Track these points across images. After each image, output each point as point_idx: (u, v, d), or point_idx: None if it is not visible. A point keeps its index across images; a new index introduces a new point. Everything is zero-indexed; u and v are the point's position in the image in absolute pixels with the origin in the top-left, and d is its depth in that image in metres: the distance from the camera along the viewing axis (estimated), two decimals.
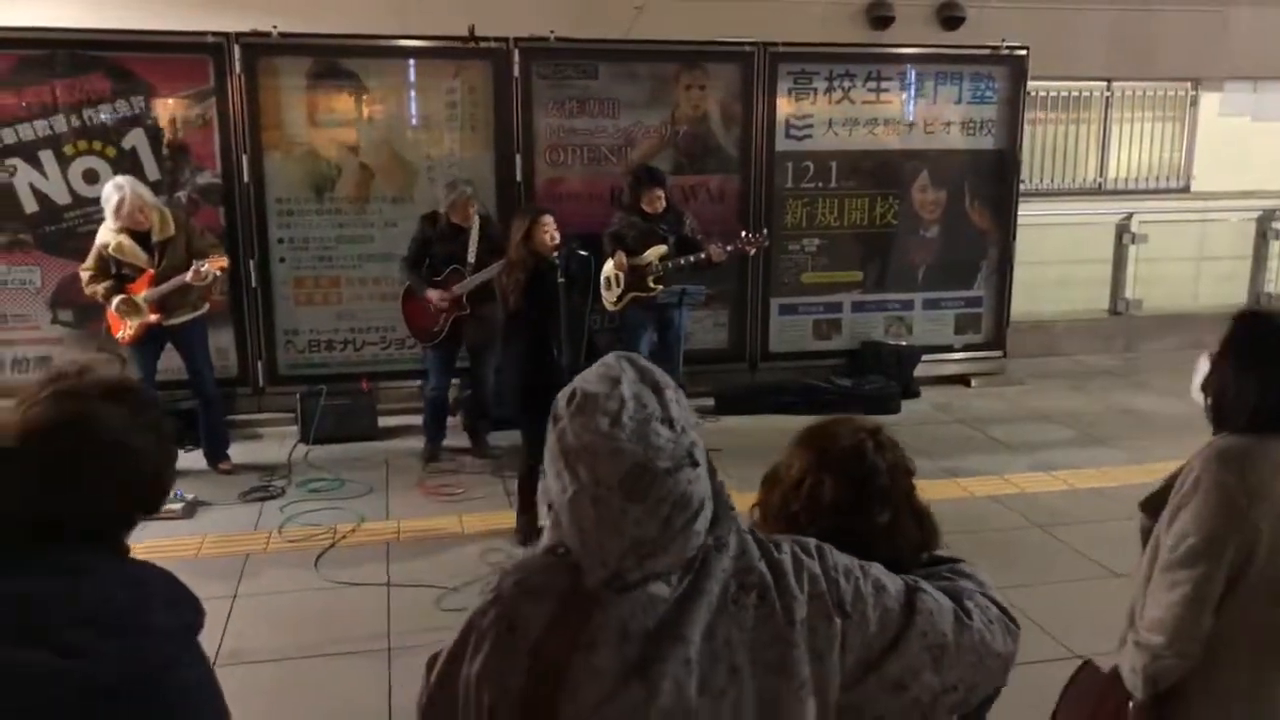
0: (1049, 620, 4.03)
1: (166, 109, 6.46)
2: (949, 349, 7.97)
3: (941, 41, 8.65)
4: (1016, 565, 4.62)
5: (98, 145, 6.41)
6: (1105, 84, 9.85)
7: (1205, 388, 2.12)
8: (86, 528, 1.38)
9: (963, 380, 8.03)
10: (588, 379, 1.31)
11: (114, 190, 5.43)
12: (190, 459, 5.92)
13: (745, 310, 7.50)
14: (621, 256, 6.27)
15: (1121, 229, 9.32)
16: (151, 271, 5.50)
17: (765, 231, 6.67)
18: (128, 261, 5.50)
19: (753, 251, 6.47)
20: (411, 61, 6.78)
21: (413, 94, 6.81)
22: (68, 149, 6.37)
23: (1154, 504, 2.14)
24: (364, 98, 6.73)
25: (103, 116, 6.39)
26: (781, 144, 7.38)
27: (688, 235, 6.45)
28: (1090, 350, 9.17)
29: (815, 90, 7.41)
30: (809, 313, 7.70)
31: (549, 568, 1.32)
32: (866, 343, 7.71)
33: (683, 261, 6.23)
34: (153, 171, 6.47)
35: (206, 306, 5.84)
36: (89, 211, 6.43)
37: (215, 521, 5.28)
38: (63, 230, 6.45)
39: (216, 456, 5.96)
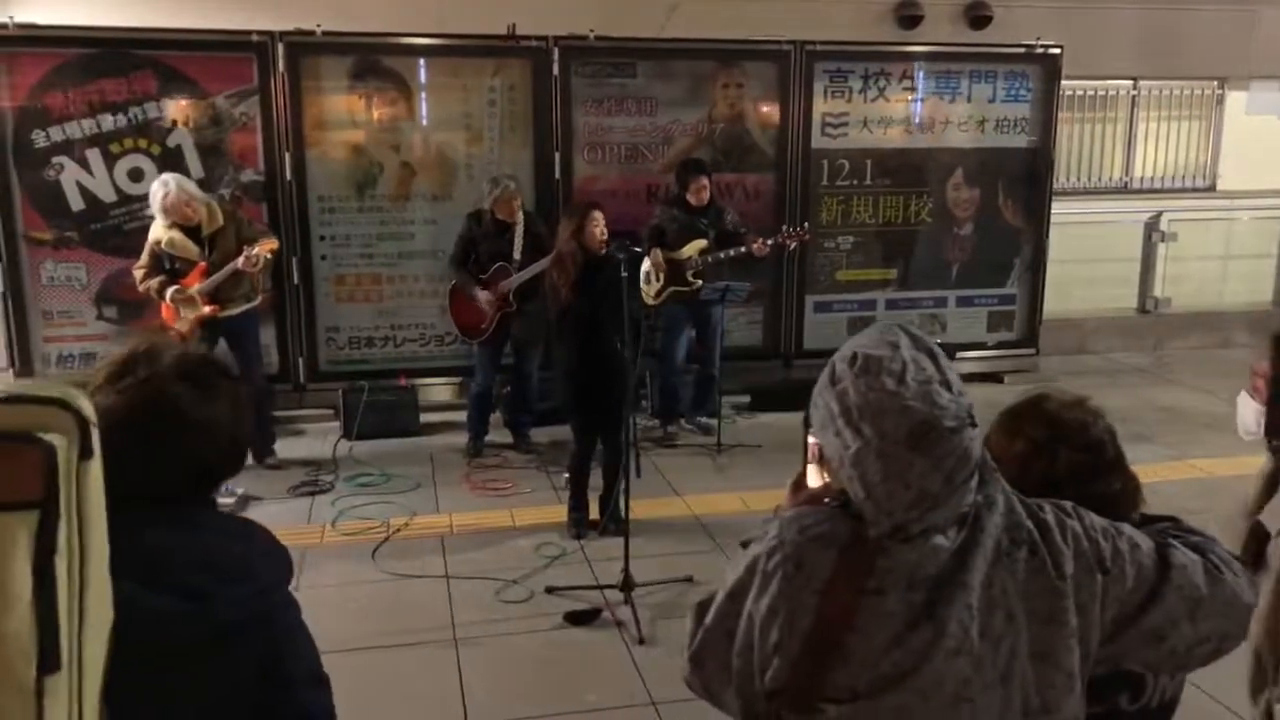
0: None
1: (211, 107, 6.50)
2: (982, 346, 7.99)
3: (969, 40, 8.69)
4: None
5: (143, 143, 6.46)
6: (1132, 83, 9.88)
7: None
8: (184, 493, 1.50)
9: (995, 378, 8.04)
10: (866, 344, 1.39)
11: (159, 186, 5.49)
12: None
13: (780, 307, 7.53)
14: (658, 253, 6.31)
15: (1150, 227, 9.34)
16: (204, 264, 5.55)
17: (807, 225, 6.71)
18: (180, 255, 5.56)
19: (794, 245, 6.51)
20: (452, 60, 6.81)
21: (453, 92, 6.84)
22: (114, 147, 6.42)
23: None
24: (405, 96, 6.77)
25: (148, 115, 6.44)
26: (817, 142, 7.41)
27: (728, 229, 6.50)
28: (1120, 348, 9.19)
29: (850, 89, 7.44)
30: (843, 310, 7.74)
31: (831, 517, 1.40)
32: None
33: (722, 255, 6.27)
34: (196, 169, 6.52)
35: (259, 299, 5.89)
36: (134, 209, 6.49)
37: (266, 515, 5.31)
38: (108, 228, 6.51)
39: (263, 452, 6.00)
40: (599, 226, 4.95)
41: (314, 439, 6.60)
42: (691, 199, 6.37)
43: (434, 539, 5.00)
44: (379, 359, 7.02)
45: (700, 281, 6.28)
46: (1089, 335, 9.15)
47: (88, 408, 1.25)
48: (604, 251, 4.88)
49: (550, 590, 4.39)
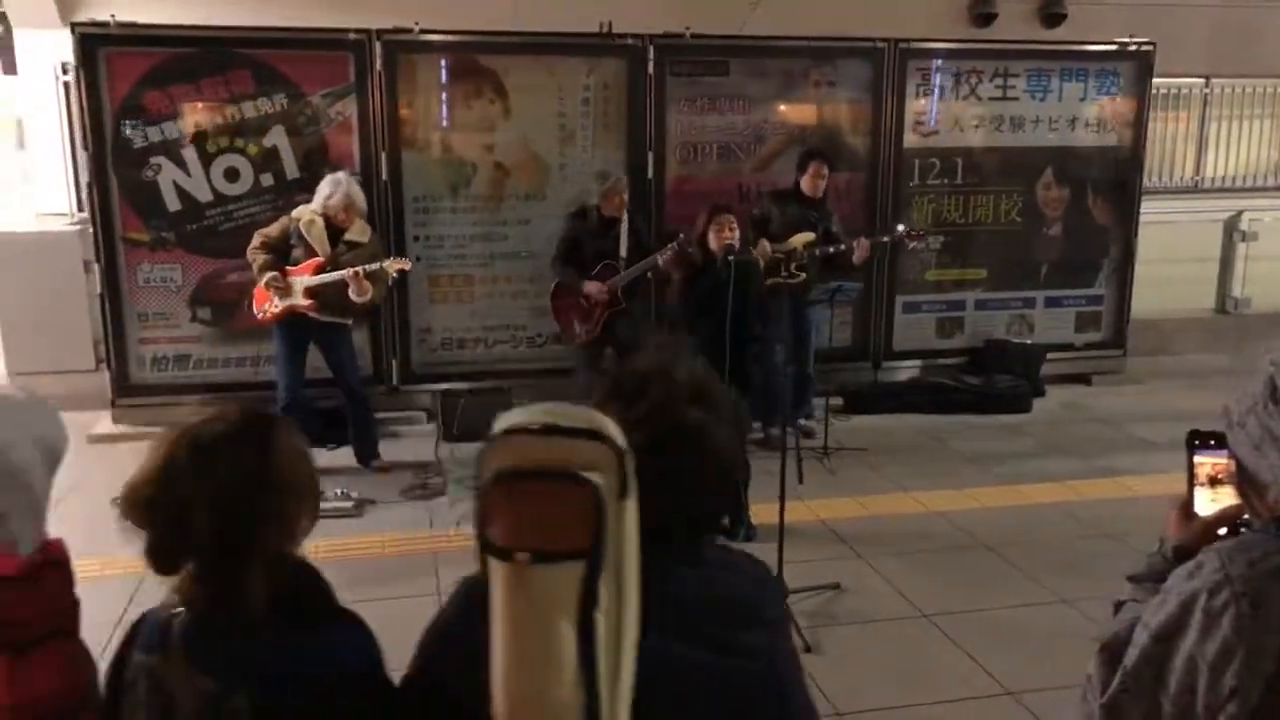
0: None
1: (308, 106, 6.44)
2: (1069, 347, 7.90)
3: (1043, 38, 8.60)
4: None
5: (239, 143, 6.41)
6: (1204, 81, 9.77)
7: None
8: (691, 529, 1.39)
9: (1083, 379, 7.95)
10: None
11: (330, 184, 5.52)
12: (338, 457, 5.91)
13: (870, 308, 7.44)
14: (765, 244, 6.19)
15: (1230, 226, 9.23)
16: (321, 260, 5.49)
17: (912, 228, 6.66)
18: (309, 241, 5.50)
19: (911, 246, 6.41)
20: (548, 58, 6.73)
21: (548, 92, 6.76)
22: (210, 147, 6.37)
23: None
24: (500, 95, 6.70)
25: (245, 114, 6.38)
26: (909, 141, 7.33)
27: (833, 231, 6.42)
28: (1199, 349, 9.07)
29: (943, 87, 7.35)
30: (932, 310, 7.64)
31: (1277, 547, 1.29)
32: (990, 341, 7.64)
33: (830, 250, 6.19)
34: (292, 169, 6.47)
35: (351, 321, 5.83)
36: (229, 210, 6.44)
37: (386, 520, 5.26)
38: (204, 228, 6.45)
39: (369, 454, 5.94)
40: (724, 231, 4.87)
41: (412, 441, 6.52)
42: (806, 187, 6.28)
43: None
44: (470, 360, 6.95)
45: (803, 275, 6.18)
46: (1168, 336, 9.03)
47: (621, 439, 1.16)
48: (727, 255, 4.79)
49: None
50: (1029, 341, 7.64)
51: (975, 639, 4.02)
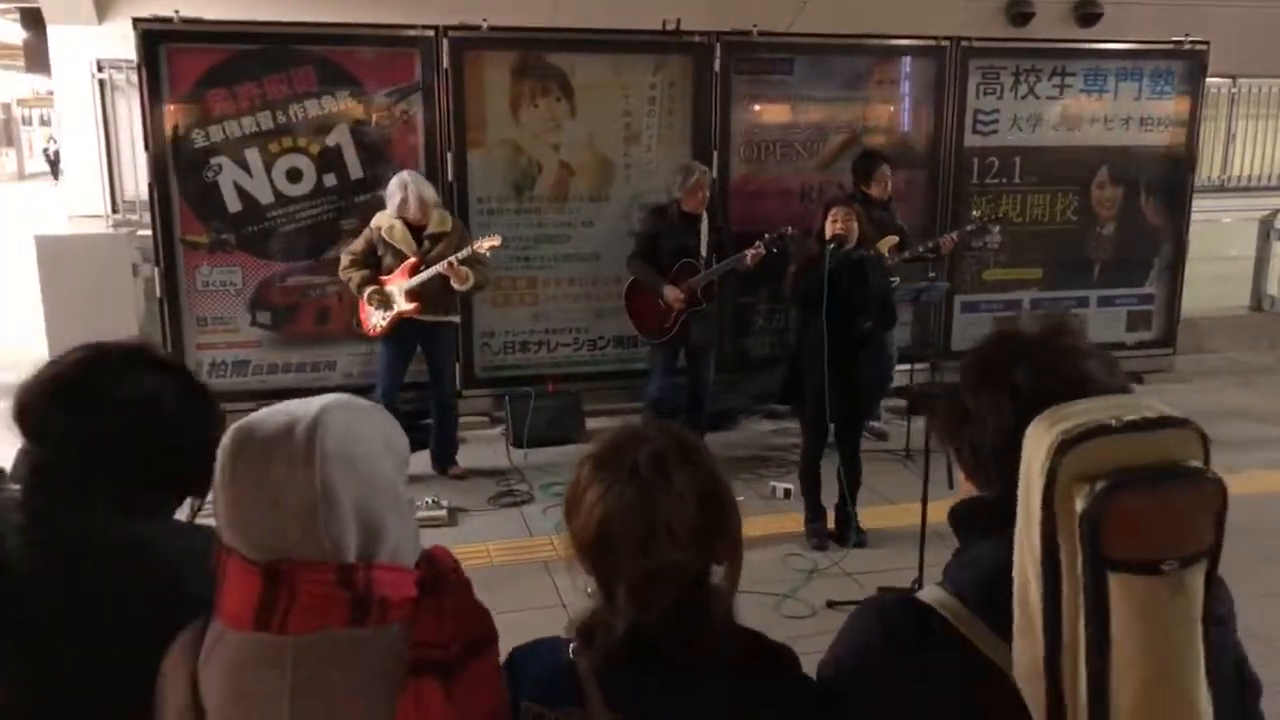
0: None
1: (372, 105, 6.28)
2: (1121, 346, 7.89)
3: (1085, 36, 8.61)
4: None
5: (302, 142, 6.23)
6: (1230, 81, 9.86)
7: None
8: None
9: (1134, 377, 7.94)
10: None
11: (397, 188, 5.37)
12: (414, 463, 5.76)
13: (929, 308, 7.39)
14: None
15: (1267, 225, 9.30)
16: (416, 259, 5.35)
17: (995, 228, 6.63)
18: (395, 245, 5.37)
19: (997, 230, 6.37)
20: (614, 56, 6.62)
21: (614, 90, 6.65)
22: (272, 146, 6.19)
23: None
24: (566, 93, 6.57)
25: (308, 113, 6.21)
26: (969, 139, 7.29)
27: (900, 226, 6.36)
28: (1236, 347, 9.14)
29: (1002, 85, 7.32)
30: (989, 310, 7.60)
31: None
32: None
33: (921, 249, 6.13)
34: (355, 169, 6.30)
35: (459, 318, 5.69)
36: (291, 211, 6.27)
37: (481, 529, 5.13)
38: (264, 230, 6.27)
39: (447, 461, 5.81)
40: (836, 223, 4.79)
41: (479, 446, 6.39)
42: (875, 191, 6.22)
43: None
44: (532, 364, 6.82)
45: (898, 279, 6.11)
46: (1205, 334, 9.09)
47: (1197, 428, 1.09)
48: (838, 249, 4.71)
49: (831, 605, 4.23)
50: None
51: None
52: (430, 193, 5.53)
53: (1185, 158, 7.77)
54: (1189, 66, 7.68)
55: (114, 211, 7.79)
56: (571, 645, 1.37)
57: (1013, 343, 1.33)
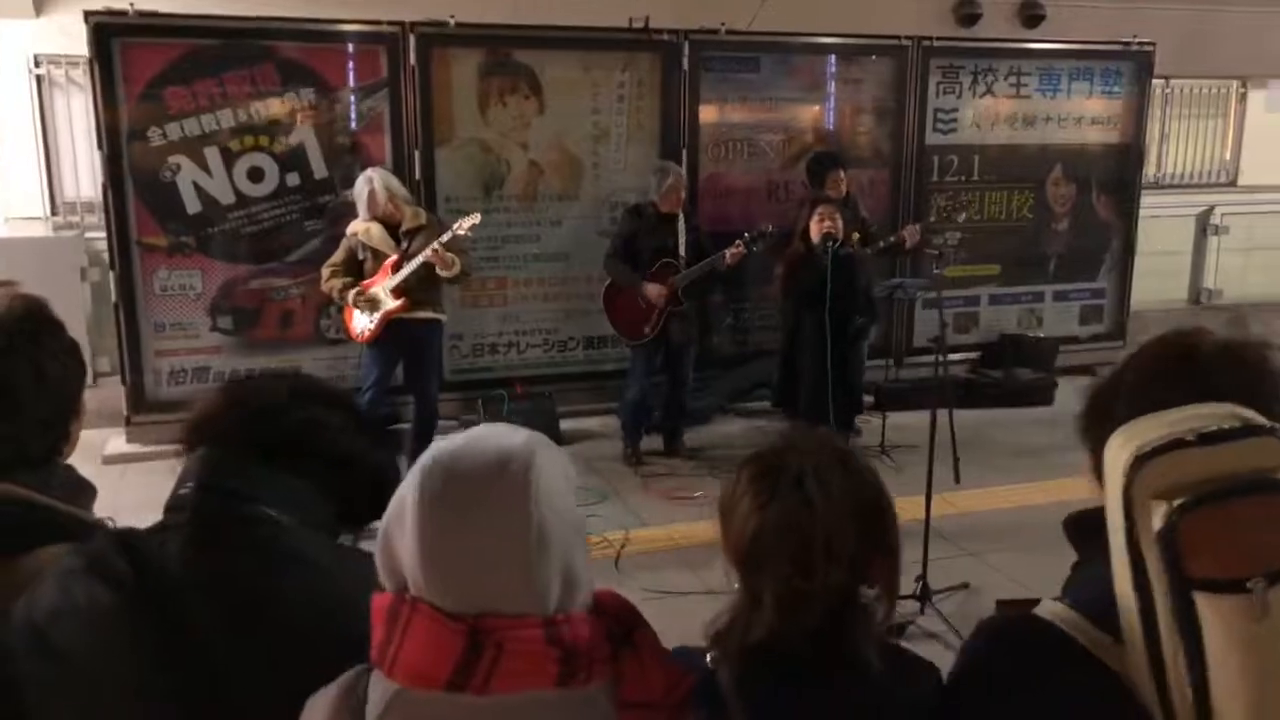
0: None
1: (337, 103, 6.12)
2: (1075, 340, 8.09)
3: (1025, 37, 8.79)
4: None
5: (264, 141, 6.04)
6: (1164, 81, 10.16)
7: None
8: None
9: (1087, 370, 8.15)
10: None
11: (364, 183, 5.19)
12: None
13: (891, 305, 7.47)
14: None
15: (1203, 221, 9.62)
16: (396, 258, 5.21)
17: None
18: (375, 247, 5.22)
19: (962, 218, 6.42)
20: (583, 54, 6.55)
21: (583, 88, 6.58)
22: (233, 145, 5.99)
23: None
24: (535, 91, 6.48)
25: (270, 110, 6.02)
26: (929, 138, 7.39)
27: (864, 219, 6.41)
28: None
29: (960, 85, 7.44)
30: (950, 306, 7.69)
31: None
32: (1005, 335, 7.78)
33: (883, 244, 6.18)
34: (320, 169, 6.15)
35: (445, 316, 5.57)
36: (253, 212, 6.08)
37: None
38: (226, 232, 6.07)
39: None
40: (824, 220, 4.80)
41: None
42: (832, 193, 6.25)
43: (667, 552, 4.78)
44: (502, 366, 6.72)
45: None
46: (1150, 327, 9.34)
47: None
48: (830, 246, 4.73)
49: None
50: (1041, 335, 7.80)
51: None
52: (397, 185, 5.38)
53: (1134, 155, 7.99)
54: (1136, 67, 7.90)
55: (53, 213, 7.45)
56: (710, 655, 1.33)
57: (1189, 357, 1.28)
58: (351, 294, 5.18)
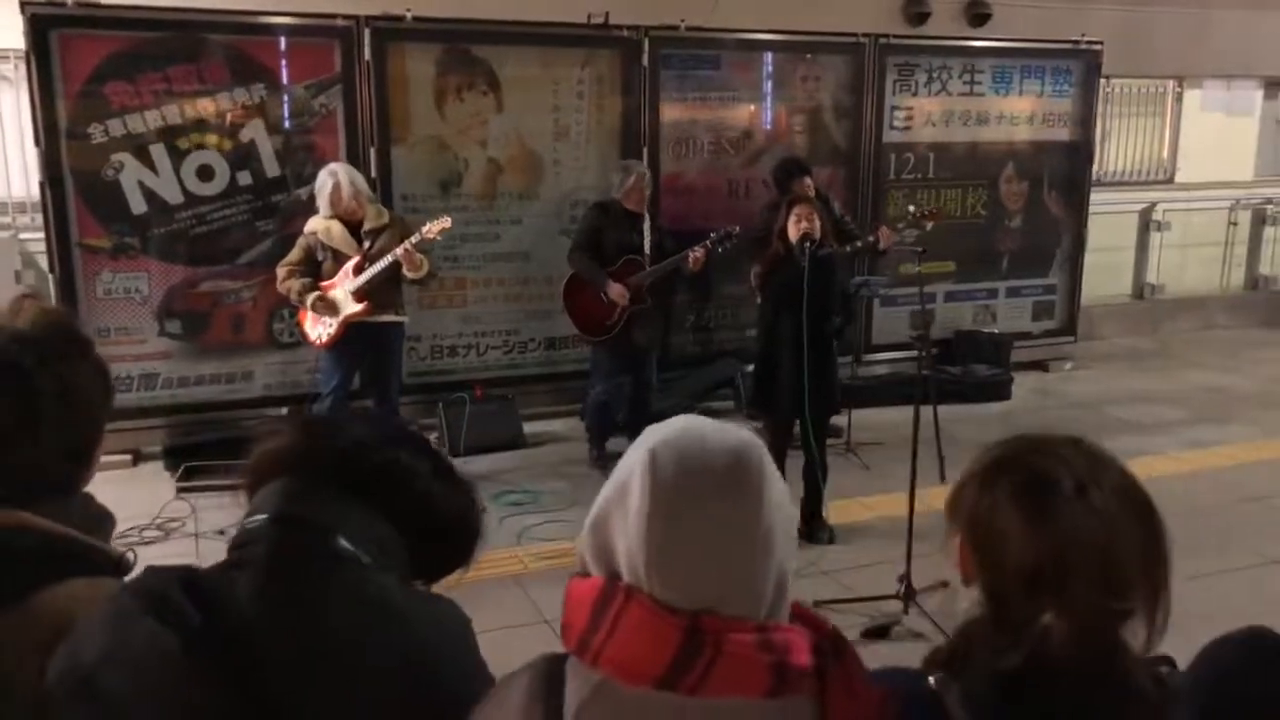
0: None
1: (289, 99, 5.91)
2: (1029, 335, 8.19)
3: (970, 35, 8.87)
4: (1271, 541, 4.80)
5: (212, 138, 5.82)
6: (1105, 80, 10.35)
7: None
8: None
9: (1040, 365, 8.27)
10: None
11: (327, 176, 5.01)
12: None
13: (855, 303, 7.48)
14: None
15: (1144, 217, 9.82)
16: (359, 259, 5.03)
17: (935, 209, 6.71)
18: (335, 247, 5.03)
19: (929, 227, 6.41)
20: (543, 50, 6.42)
21: (543, 85, 6.46)
22: (181, 142, 5.76)
23: None
24: (493, 88, 6.35)
25: (220, 106, 5.79)
26: (887, 135, 7.41)
27: (837, 217, 6.38)
28: (1123, 333, 9.61)
29: (916, 82, 7.47)
30: (906, 304, 7.75)
31: None
32: (961, 331, 7.84)
33: (856, 245, 6.16)
34: (272, 167, 5.94)
35: (407, 318, 5.41)
36: (202, 212, 5.86)
37: None
38: (174, 232, 5.83)
39: None
40: (802, 221, 4.75)
41: None
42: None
43: None
44: (461, 369, 6.58)
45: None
46: (1097, 322, 9.53)
47: None
48: (808, 246, 4.68)
49: (818, 604, 4.18)
50: (997, 331, 7.88)
51: None
52: (362, 181, 5.21)
53: (1083, 153, 8.11)
54: (1084, 65, 8.02)
55: None
56: (933, 677, 1.24)
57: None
58: (311, 297, 5.00)
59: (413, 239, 4.99)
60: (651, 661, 0.96)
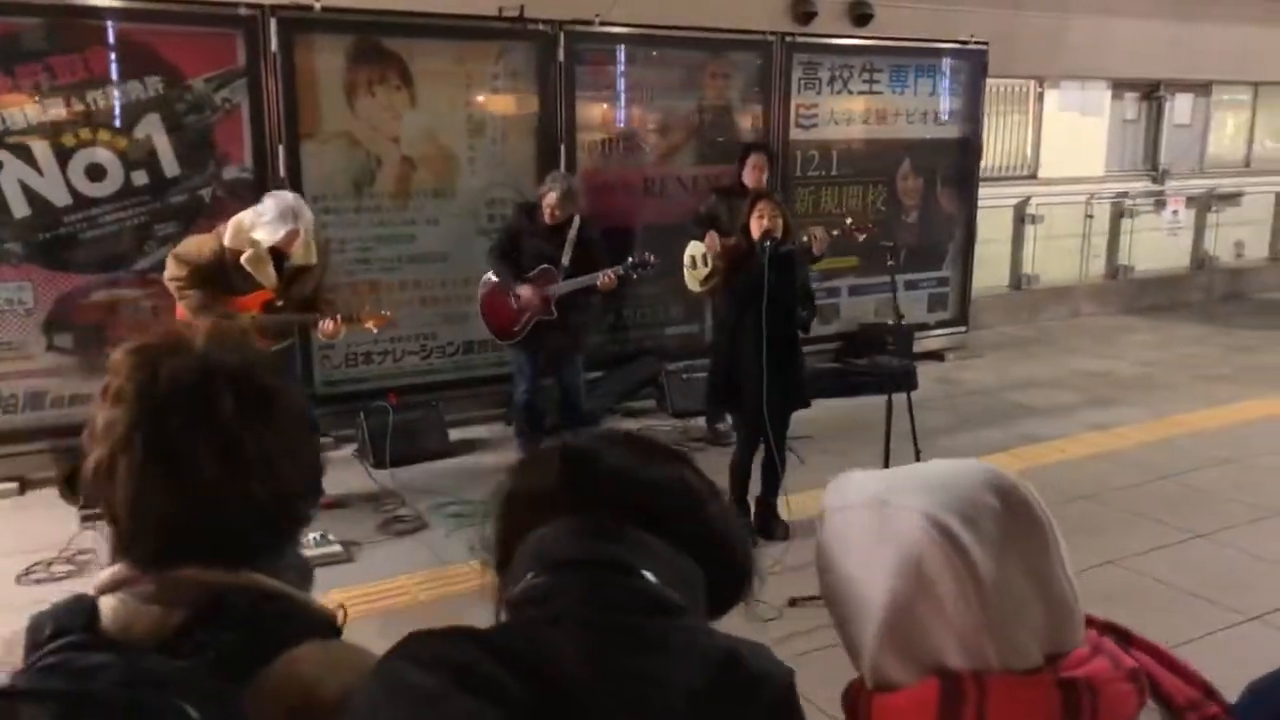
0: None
1: (188, 93, 5.50)
2: (926, 327, 8.46)
3: (854, 34, 9.10)
4: (1196, 515, 5.08)
5: (104, 135, 5.36)
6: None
7: None
8: None
9: (936, 355, 8.55)
10: None
11: (283, 218, 4.53)
12: None
13: None
14: (714, 237, 6.06)
15: (1020, 210, 10.29)
16: (269, 294, 4.66)
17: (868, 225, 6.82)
18: (250, 274, 4.63)
19: (862, 239, 6.52)
20: (456, 43, 6.20)
21: (456, 79, 6.23)
22: (67, 139, 5.28)
23: None
24: (406, 82, 6.08)
25: (110, 100, 5.34)
26: (793, 133, 7.50)
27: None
28: (1004, 322, 10.05)
29: (820, 80, 7.59)
30: (817, 299, 7.87)
31: None
32: (865, 324, 8.02)
33: (790, 246, 6.18)
34: (170, 166, 5.53)
35: (294, 339, 5.13)
36: (94, 214, 5.40)
37: (386, 563, 4.63)
38: (61, 237, 5.35)
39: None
40: (762, 218, 4.72)
41: (334, 470, 5.69)
42: (749, 180, 6.20)
43: None
44: (377, 376, 6.29)
45: None
46: (980, 312, 9.92)
47: None
48: (769, 245, 4.66)
49: (794, 602, 4.16)
50: (904, 322, 8.08)
51: None
52: (313, 226, 4.81)
53: (972, 149, 8.43)
54: (971, 65, 8.32)
55: None
56: None
57: None
58: (210, 319, 4.59)
59: (351, 324, 4.84)
60: None
